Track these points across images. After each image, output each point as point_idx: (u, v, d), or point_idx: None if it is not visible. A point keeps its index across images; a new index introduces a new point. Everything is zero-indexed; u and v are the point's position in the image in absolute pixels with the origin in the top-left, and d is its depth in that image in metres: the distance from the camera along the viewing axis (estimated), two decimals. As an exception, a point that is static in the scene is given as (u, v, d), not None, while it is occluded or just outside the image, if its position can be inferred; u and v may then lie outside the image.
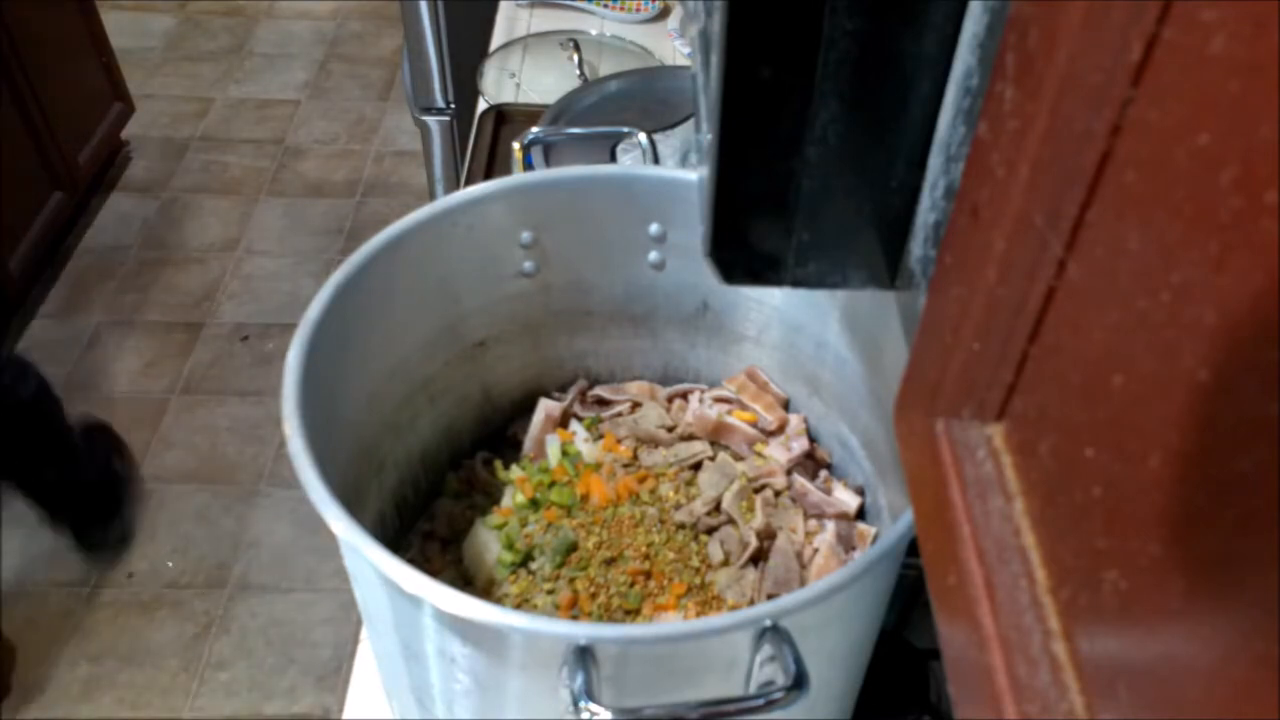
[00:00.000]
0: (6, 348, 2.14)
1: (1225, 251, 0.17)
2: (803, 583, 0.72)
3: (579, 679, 0.47)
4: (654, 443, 0.82)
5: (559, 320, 0.83)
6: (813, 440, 0.81)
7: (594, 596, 0.70)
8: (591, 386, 0.86)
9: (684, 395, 0.86)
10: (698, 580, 0.72)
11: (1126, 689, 0.21)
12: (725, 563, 0.73)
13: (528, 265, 0.78)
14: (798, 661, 0.48)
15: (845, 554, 0.74)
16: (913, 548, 0.46)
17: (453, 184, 1.91)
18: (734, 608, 0.71)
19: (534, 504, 0.76)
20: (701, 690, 0.51)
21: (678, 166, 1.06)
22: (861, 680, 0.69)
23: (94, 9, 2.48)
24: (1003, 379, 0.27)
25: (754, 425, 0.81)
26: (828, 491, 0.77)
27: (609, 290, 0.82)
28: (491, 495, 0.79)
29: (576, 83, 1.31)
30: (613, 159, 1.06)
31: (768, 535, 0.75)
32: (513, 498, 0.77)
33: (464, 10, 1.72)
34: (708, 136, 0.38)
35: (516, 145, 1.05)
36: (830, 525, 0.75)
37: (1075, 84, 0.22)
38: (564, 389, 0.86)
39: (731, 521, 0.75)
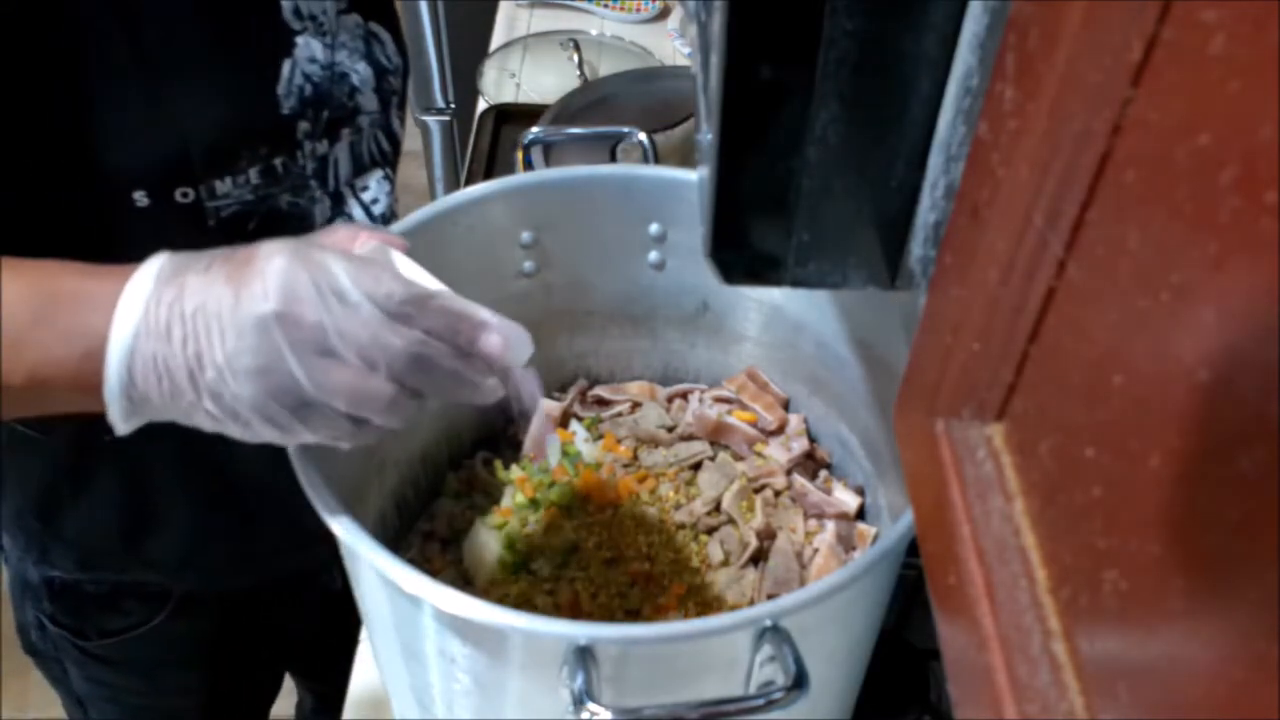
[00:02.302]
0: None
1: (1225, 251, 0.17)
2: (803, 583, 0.72)
3: (579, 679, 0.47)
4: (654, 443, 0.82)
5: (559, 320, 0.83)
6: (813, 440, 0.81)
7: (594, 597, 0.70)
8: (591, 386, 0.86)
9: (684, 395, 0.86)
10: (698, 580, 0.72)
11: (1126, 689, 0.21)
12: (725, 563, 0.73)
13: (528, 265, 0.78)
14: (798, 661, 0.48)
15: (845, 554, 0.74)
16: (913, 548, 0.46)
17: (453, 184, 1.91)
18: (734, 608, 0.71)
19: (534, 504, 0.76)
20: (701, 690, 0.51)
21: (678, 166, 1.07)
22: (861, 680, 0.69)
23: (94, 9, 2.48)
24: (1003, 379, 0.27)
25: (754, 425, 0.81)
26: (828, 491, 0.77)
27: (609, 290, 0.82)
28: (491, 495, 0.79)
29: (576, 83, 1.31)
30: (613, 159, 1.06)
31: (768, 535, 0.75)
32: (513, 498, 0.77)
33: (464, 10, 1.72)
34: (708, 136, 0.38)
35: (517, 146, 1.05)
36: (830, 525, 0.75)
37: (1075, 84, 0.22)
38: (564, 389, 0.86)
39: (731, 521, 0.75)
